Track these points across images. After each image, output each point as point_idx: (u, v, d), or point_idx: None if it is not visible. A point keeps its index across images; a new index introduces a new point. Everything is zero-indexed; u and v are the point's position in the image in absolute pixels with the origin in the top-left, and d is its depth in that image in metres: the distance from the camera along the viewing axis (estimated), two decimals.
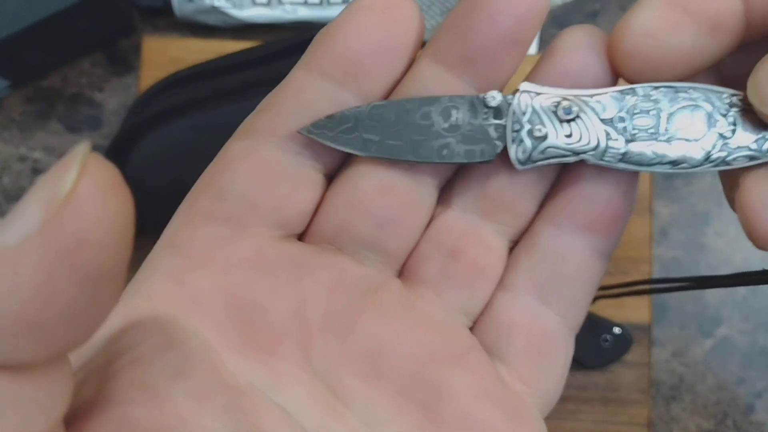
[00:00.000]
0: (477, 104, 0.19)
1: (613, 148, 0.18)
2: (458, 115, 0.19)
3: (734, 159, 0.18)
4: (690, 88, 0.18)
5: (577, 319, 0.20)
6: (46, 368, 0.12)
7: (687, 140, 0.18)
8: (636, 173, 0.19)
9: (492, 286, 0.20)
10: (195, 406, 0.15)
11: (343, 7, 0.49)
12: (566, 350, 0.20)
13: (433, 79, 0.19)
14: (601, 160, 0.19)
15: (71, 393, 0.13)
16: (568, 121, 0.19)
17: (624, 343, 0.45)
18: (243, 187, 0.19)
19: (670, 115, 0.18)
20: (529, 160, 0.19)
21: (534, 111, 0.19)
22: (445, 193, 0.20)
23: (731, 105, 0.18)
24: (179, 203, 0.20)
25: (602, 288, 0.39)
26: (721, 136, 0.18)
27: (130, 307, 0.18)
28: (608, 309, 0.45)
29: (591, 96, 0.19)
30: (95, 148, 0.53)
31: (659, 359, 0.47)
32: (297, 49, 0.44)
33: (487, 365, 0.19)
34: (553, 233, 0.20)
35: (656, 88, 0.18)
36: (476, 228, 0.20)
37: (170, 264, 0.18)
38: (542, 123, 0.19)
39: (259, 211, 0.19)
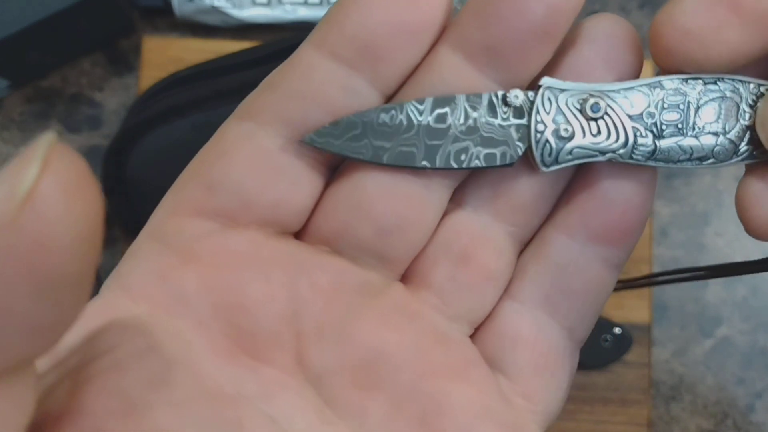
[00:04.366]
0: (496, 102, 0.17)
1: (641, 145, 0.17)
2: (476, 116, 0.17)
3: (762, 152, 0.17)
4: (717, 79, 0.17)
5: (583, 334, 0.19)
6: (3, 377, 0.11)
7: (715, 134, 0.17)
8: (654, 183, 0.18)
9: (499, 292, 0.19)
10: (176, 417, 0.14)
11: None
12: (570, 366, 0.19)
13: (453, 70, 0.17)
14: (630, 158, 0.18)
15: (34, 402, 0.12)
16: (596, 119, 0.17)
17: (624, 343, 0.45)
18: (238, 179, 0.17)
19: (698, 108, 0.17)
20: (555, 162, 0.18)
21: (559, 109, 0.17)
22: (457, 191, 0.19)
23: (758, 96, 0.17)
24: None
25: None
26: (748, 128, 0.17)
27: (110, 303, 0.16)
28: (608, 309, 0.45)
29: (618, 90, 0.17)
30: (95, 148, 0.53)
31: (659, 359, 0.47)
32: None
33: (489, 380, 0.18)
34: (565, 243, 0.18)
35: (685, 80, 0.17)
36: (488, 230, 0.19)
37: (155, 258, 0.17)
38: (568, 122, 0.17)
39: (255, 207, 0.17)
